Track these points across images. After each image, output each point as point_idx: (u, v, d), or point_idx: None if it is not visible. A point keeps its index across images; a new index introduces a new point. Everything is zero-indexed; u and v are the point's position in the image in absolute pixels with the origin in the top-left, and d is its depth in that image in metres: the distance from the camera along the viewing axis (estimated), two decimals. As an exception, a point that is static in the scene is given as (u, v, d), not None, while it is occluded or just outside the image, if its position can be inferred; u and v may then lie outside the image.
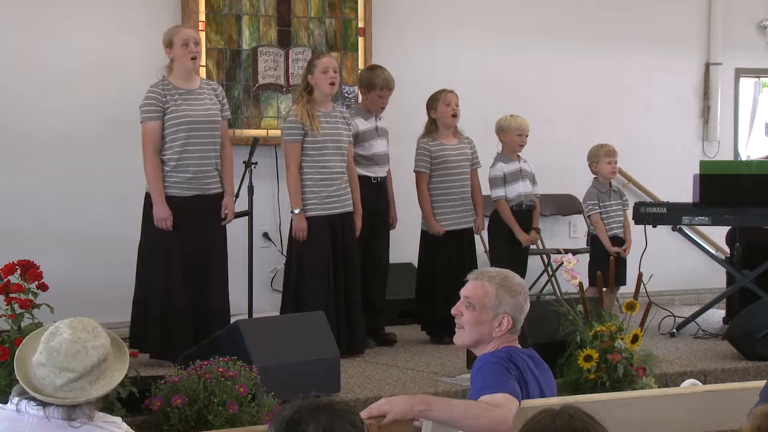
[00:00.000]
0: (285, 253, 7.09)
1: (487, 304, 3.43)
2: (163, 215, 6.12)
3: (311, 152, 6.54)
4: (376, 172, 7.02)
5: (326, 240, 6.53)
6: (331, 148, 6.57)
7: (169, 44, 6.25)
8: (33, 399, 2.90)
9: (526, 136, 7.34)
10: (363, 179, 6.91)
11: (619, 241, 7.43)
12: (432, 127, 7.18)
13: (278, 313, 6.70)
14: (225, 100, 6.46)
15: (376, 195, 7.00)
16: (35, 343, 2.97)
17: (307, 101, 6.55)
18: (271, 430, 2.37)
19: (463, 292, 3.51)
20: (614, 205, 7.49)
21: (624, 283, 7.20)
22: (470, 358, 5.83)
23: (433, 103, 7.16)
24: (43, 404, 2.88)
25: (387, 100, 7.05)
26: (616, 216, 7.48)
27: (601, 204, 7.44)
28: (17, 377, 2.93)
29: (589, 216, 7.55)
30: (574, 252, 7.12)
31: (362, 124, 6.95)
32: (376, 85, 7.02)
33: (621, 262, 7.15)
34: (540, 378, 3.45)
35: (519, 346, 3.52)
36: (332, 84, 6.57)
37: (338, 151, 6.62)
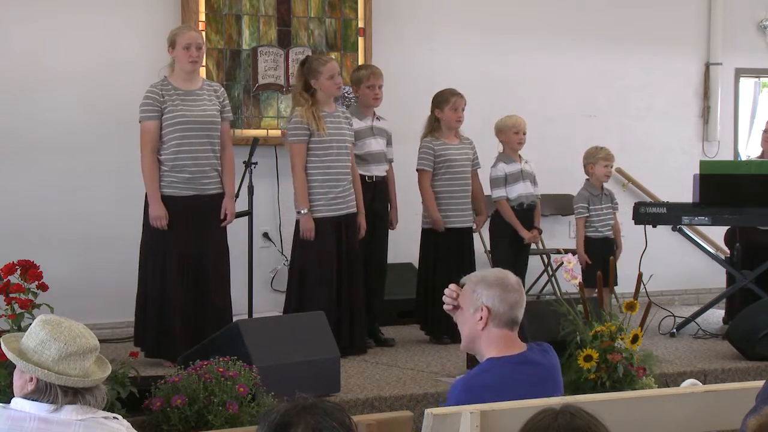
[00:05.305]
0: (285, 253, 7.10)
1: (468, 301, 3.55)
2: (158, 214, 6.13)
3: (318, 152, 6.53)
4: (371, 171, 6.99)
5: (331, 241, 6.53)
6: (336, 148, 6.57)
7: (172, 44, 6.26)
8: (34, 398, 2.90)
9: (524, 134, 7.33)
10: None
11: (608, 242, 7.45)
12: (435, 126, 7.18)
13: (280, 314, 6.72)
14: (226, 101, 6.45)
15: (372, 195, 6.98)
16: (20, 338, 2.98)
17: (311, 103, 6.55)
18: None
19: None
20: (604, 208, 7.50)
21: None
22: (470, 358, 5.83)
23: (440, 103, 7.13)
24: (47, 390, 2.87)
25: (378, 91, 6.96)
26: (606, 218, 7.49)
27: (590, 207, 7.46)
28: (10, 355, 2.91)
29: (576, 219, 7.58)
30: (574, 252, 7.14)
31: (356, 124, 6.93)
32: (362, 77, 7.01)
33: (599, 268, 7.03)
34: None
35: (514, 351, 3.51)
36: (339, 88, 6.68)
37: (343, 151, 6.62)
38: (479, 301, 3.51)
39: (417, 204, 7.22)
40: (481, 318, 3.49)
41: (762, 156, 8.11)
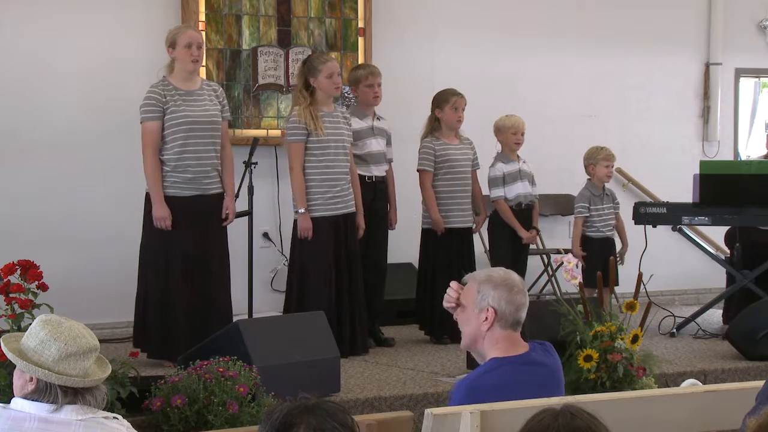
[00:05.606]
0: (285, 253, 7.08)
1: (472, 300, 3.51)
2: (161, 214, 6.13)
3: (315, 152, 6.53)
4: (371, 171, 6.99)
5: (330, 241, 6.53)
6: (334, 148, 6.57)
7: (172, 44, 6.25)
8: (34, 398, 2.90)
9: (522, 134, 7.33)
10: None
11: (609, 242, 7.45)
12: (435, 125, 7.18)
13: (280, 314, 6.71)
14: (225, 101, 6.46)
15: (372, 195, 6.98)
16: (20, 338, 2.98)
17: (309, 103, 6.55)
18: None
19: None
20: (606, 208, 7.50)
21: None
22: (470, 358, 5.82)
23: (441, 103, 7.13)
24: (47, 390, 2.87)
25: (378, 89, 6.96)
26: (607, 218, 7.50)
27: (591, 207, 7.45)
28: (10, 356, 2.91)
29: (575, 218, 7.58)
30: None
31: (357, 123, 6.93)
32: (360, 77, 7.01)
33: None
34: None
35: (518, 352, 3.49)
36: (338, 88, 6.64)
37: (342, 151, 6.62)
38: (485, 302, 3.48)
39: (417, 204, 7.22)
40: (487, 319, 3.47)
41: (767, 156, 8.11)
